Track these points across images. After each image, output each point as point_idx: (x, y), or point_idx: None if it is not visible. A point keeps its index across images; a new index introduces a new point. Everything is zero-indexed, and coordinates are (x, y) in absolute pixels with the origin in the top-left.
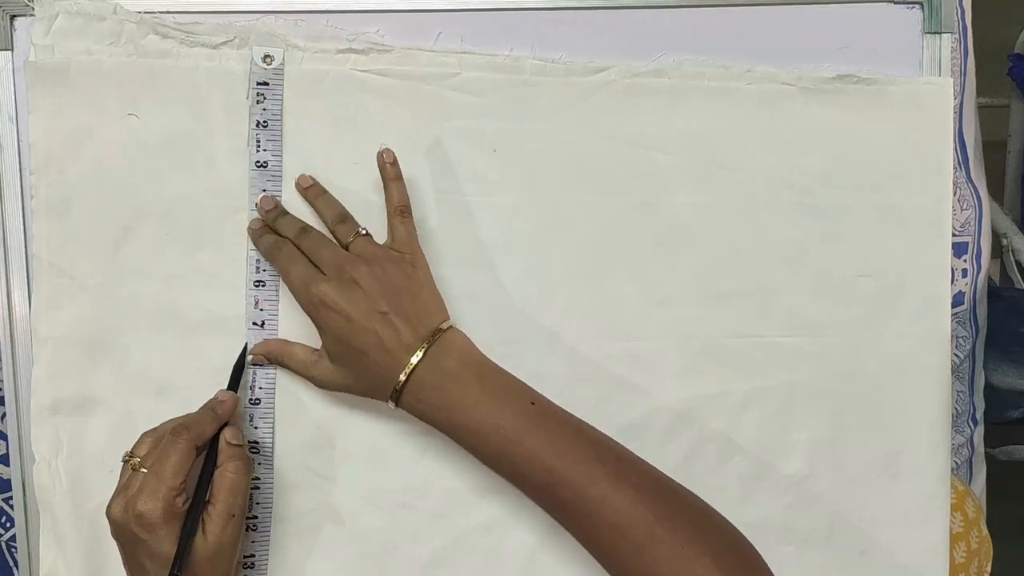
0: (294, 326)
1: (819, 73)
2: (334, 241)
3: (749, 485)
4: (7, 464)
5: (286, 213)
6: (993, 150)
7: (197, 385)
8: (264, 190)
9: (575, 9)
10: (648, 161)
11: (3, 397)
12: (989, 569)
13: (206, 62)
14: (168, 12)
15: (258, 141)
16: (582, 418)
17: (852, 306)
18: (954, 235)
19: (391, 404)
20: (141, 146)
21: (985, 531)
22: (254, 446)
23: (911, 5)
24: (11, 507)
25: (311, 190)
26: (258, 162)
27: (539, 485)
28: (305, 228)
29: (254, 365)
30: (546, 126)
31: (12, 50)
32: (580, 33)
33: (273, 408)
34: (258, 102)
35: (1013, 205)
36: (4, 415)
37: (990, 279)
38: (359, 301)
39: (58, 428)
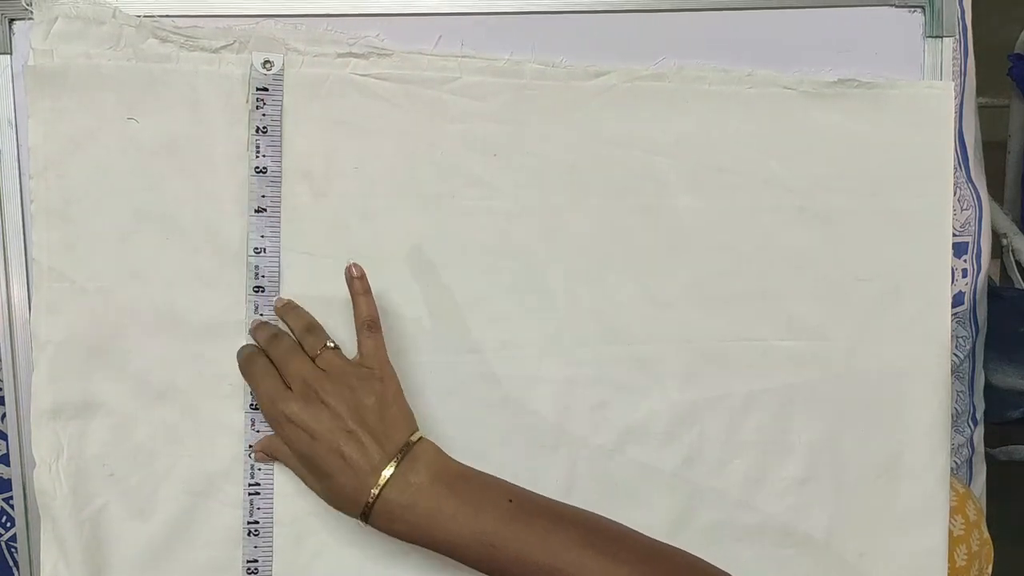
0: None
1: (820, 77)
2: (303, 353)
3: (749, 488)
4: (7, 464)
5: (263, 322)
6: (993, 150)
7: (197, 389)
8: (264, 195)
9: (576, 13)
10: (648, 165)
11: (3, 398)
12: (989, 571)
13: (205, 66)
14: (167, 16)
15: (257, 147)
16: (581, 420)
17: (852, 309)
18: (954, 235)
19: (362, 523)
20: (140, 150)
21: (986, 533)
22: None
23: (912, 9)
24: (11, 507)
25: (284, 308)
26: (257, 168)
27: None
28: (277, 336)
29: (260, 462)
30: (546, 130)
31: (11, 54)
32: (581, 37)
33: None
34: (257, 107)
35: (1013, 205)
36: (4, 415)
37: (990, 279)
38: (324, 419)
39: (58, 432)
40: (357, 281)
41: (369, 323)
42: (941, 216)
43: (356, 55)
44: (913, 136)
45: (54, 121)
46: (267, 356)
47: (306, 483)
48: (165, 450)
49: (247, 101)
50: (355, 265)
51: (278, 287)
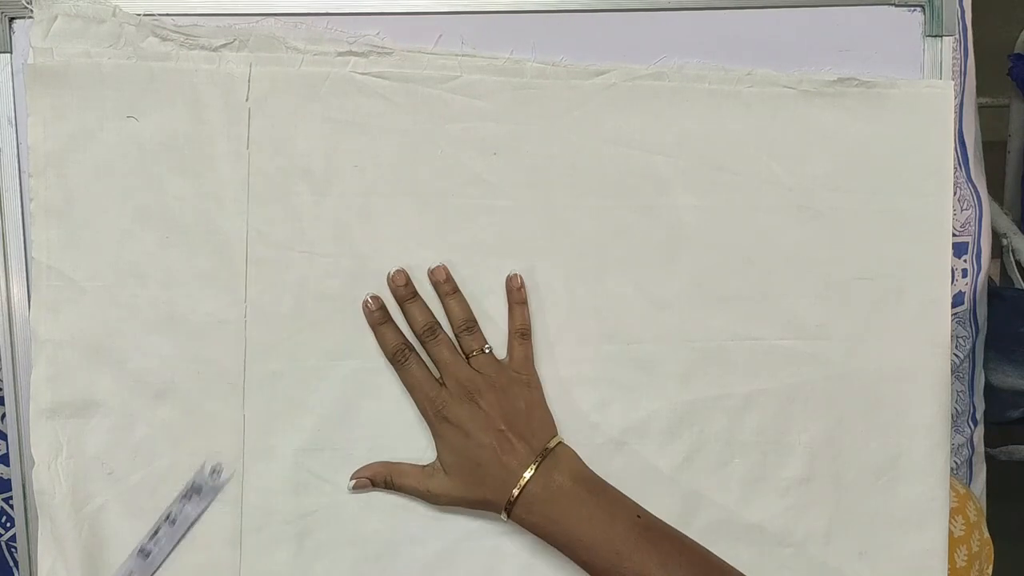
0: (296, 328)
1: (820, 76)
2: (458, 350)
3: (749, 487)
4: (7, 464)
5: (416, 295)
6: (993, 150)
7: (197, 388)
8: (263, 194)
9: (576, 12)
10: (649, 164)
11: (3, 398)
12: (990, 572)
13: (205, 64)
14: (168, 15)
15: (257, 145)
16: (582, 420)
17: (852, 308)
18: (954, 235)
19: (504, 516)
20: (140, 148)
21: (986, 534)
22: None
23: (912, 8)
24: (11, 507)
25: (445, 285)
26: (256, 166)
27: None
28: (433, 328)
29: (356, 490)
30: (547, 129)
31: (11, 52)
32: (581, 36)
33: None
34: (257, 106)
35: (1013, 205)
36: (4, 415)
37: (990, 279)
38: (479, 419)
39: (57, 431)
40: (517, 291)
41: (522, 331)
42: (941, 216)
43: (356, 53)
44: (913, 135)
45: (54, 120)
46: (405, 339)
47: (450, 480)
48: (164, 449)
49: (247, 99)
50: (517, 276)
51: (277, 286)
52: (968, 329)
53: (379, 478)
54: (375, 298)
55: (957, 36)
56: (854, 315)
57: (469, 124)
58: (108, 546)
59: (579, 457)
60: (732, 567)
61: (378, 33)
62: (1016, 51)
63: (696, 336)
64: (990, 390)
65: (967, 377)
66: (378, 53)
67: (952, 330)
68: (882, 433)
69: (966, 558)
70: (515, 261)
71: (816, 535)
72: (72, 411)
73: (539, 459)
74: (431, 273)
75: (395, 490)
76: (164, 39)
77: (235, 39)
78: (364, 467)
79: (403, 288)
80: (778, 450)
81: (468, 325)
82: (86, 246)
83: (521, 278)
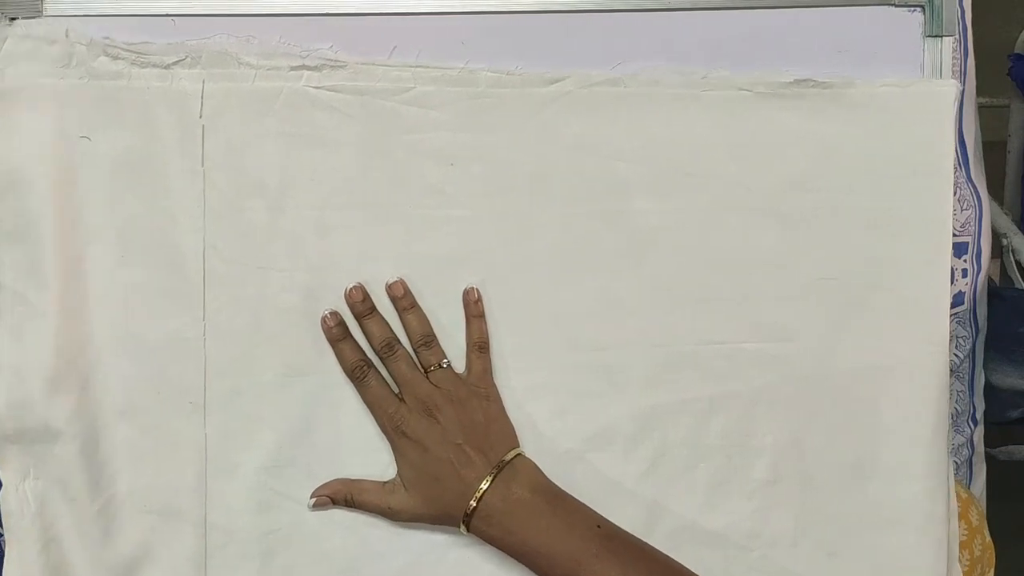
0: (253, 343)
1: (776, 78)
2: (416, 366)
3: (714, 491)
4: None
5: (374, 311)
6: (993, 150)
7: (158, 408)
8: (218, 209)
9: (537, 12)
10: (608, 170)
11: None
12: (991, 575)
13: (158, 82)
14: (119, 15)
15: (212, 161)
16: (544, 432)
17: (827, 309)
18: (954, 235)
19: (463, 529)
20: (95, 168)
21: (988, 538)
22: None
23: (912, 8)
24: None
25: (403, 300)
26: (212, 182)
27: None
28: (391, 344)
29: (316, 508)
30: (503, 138)
31: None
32: (542, 40)
33: None
34: (212, 122)
35: (1013, 205)
36: None
37: (990, 279)
38: (436, 434)
39: (22, 453)
40: (474, 304)
41: (480, 345)
42: (941, 215)
43: (309, 67)
44: (912, 135)
45: (7, 142)
46: (364, 355)
47: (410, 496)
48: (127, 470)
49: (200, 116)
50: (474, 289)
51: (235, 303)
52: (968, 329)
53: (339, 496)
54: (333, 314)
55: (957, 36)
56: (829, 315)
57: (425, 135)
58: (73, 570)
59: (539, 468)
60: (695, 574)
61: (331, 47)
62: (1016, 51)
63: (661, 341)
64: (990, 390)
65: (967, 377)
66: (331, 67)
67: (952, 330)
68: (856, 434)
69: (968, 563)
70: (474, 272)
71: (784, 537)
72: (34, 436)
73: (495, 471)
74: (389, 288)
75: (356, 508)
76: (115, 58)
77: (187, 56)
78: (324, 485)
79: (360, 304)
80: (745, 453)
81: (426, 340)
82: (44, 269)
83: (478, 291)
